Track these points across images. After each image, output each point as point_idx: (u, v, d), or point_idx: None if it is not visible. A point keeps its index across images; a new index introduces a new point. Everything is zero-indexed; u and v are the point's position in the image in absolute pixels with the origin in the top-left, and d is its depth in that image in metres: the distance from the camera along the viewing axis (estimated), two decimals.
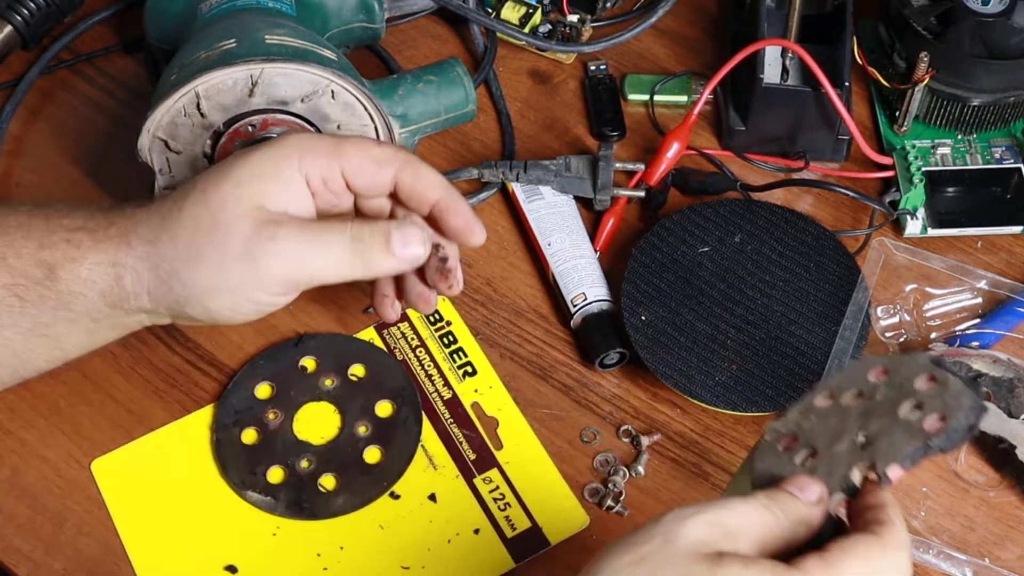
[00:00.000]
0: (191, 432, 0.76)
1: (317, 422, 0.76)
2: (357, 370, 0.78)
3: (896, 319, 0.79)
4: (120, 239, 0.66)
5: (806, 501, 0.56)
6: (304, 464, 0.74)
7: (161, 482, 0.74)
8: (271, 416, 0.76)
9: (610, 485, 0.75)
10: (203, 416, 0.76)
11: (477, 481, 0.75)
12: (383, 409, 0.76)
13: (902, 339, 0.78)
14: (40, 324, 0.67)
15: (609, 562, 0.54)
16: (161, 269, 0.65)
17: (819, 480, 0.57)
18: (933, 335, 0.79)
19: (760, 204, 0.83)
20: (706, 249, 0.80)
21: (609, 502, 0.74)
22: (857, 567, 0.54)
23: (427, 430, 0.76)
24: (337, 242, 0.66)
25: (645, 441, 0.76)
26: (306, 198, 0.67)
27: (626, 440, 0.77)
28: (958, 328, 0.79)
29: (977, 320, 0.79)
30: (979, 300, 0.80)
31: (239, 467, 0.74)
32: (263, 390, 0.77)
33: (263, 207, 0.65)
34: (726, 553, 0.53)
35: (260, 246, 0.64)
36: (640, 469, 0.76)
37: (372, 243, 0.66)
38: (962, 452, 0.75)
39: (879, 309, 0.79)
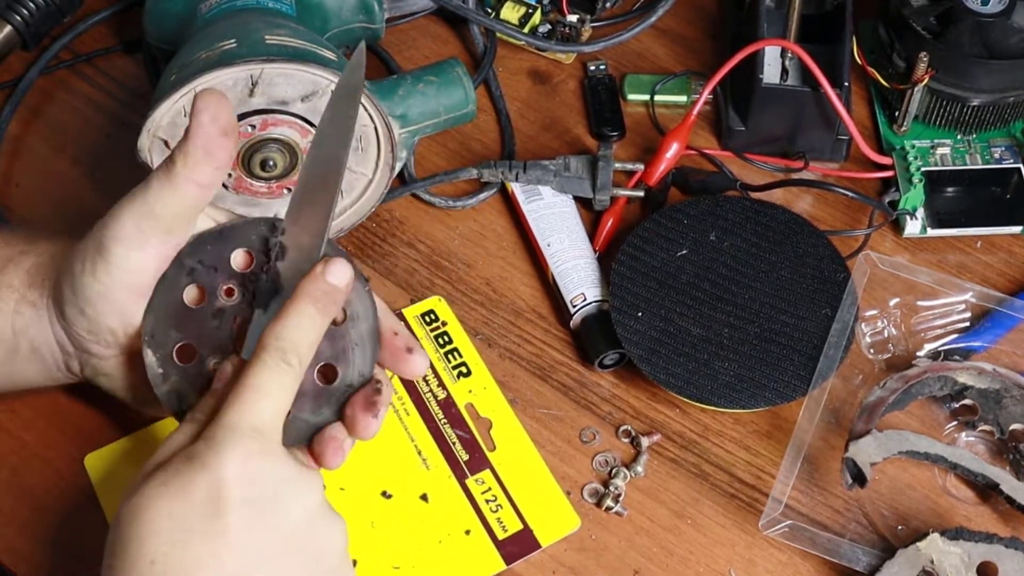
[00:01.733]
0: None
1: None
2: None
3: (883, 334, 0.79)
4: (63, 240, 0.69)
5: (223, 385, 0.61)
6: None
7: None
8: None
9: (610, 486, 0.75)
10: None
11: (469, 482, 0.75)
12: None
13: (888, 355, 0.78)
14: None
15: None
16: (63, 253, 0.68)
17: (232, 360, 0.62)
18: (920, 350, 0.79)
19: (727, 199, 0.83)
20: (684, 252, 0.80)
21: (608, 502, 0.74)
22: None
23: (420, 430, 0.76)
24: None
25: (645, 442, 0.76)
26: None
27: (625, 440, 0.77)
28: (944, 341, 0.79)
29: (964, 332, 0.79)
30: (966, 312, 0.79)
31: None
32: None
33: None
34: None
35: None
36: (639, 469, 0.76)
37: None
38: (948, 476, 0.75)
39: (863, 325, 0.79)
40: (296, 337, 0.61)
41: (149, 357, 0.65)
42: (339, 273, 0.63)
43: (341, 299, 0.63)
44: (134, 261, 0.64)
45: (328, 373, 0.65)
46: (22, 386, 0.72)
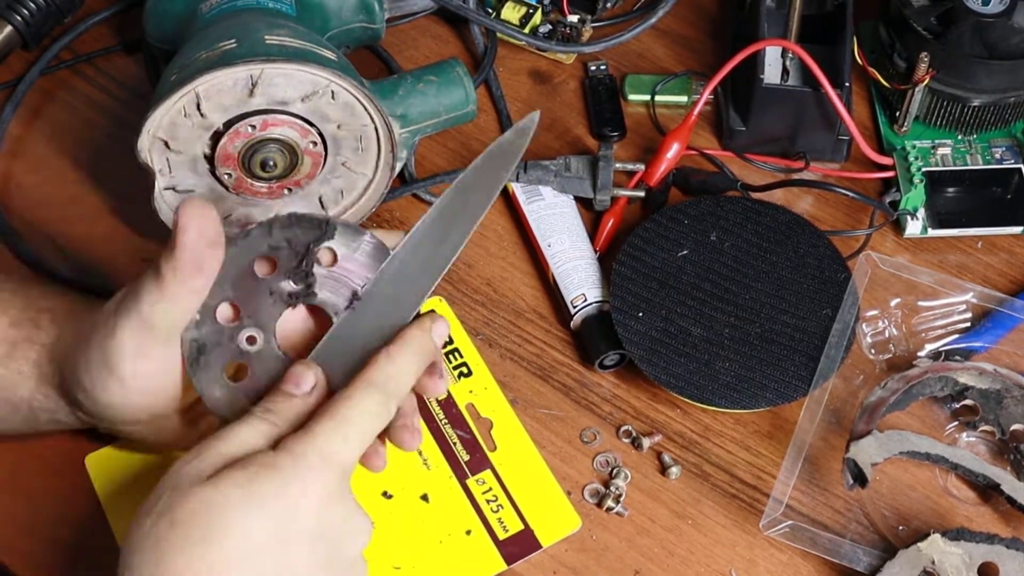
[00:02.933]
0: None
1: None
2: None
3: (884, 335, 0.79)
4: (66, 323, 0.69)
5: (302, 394, 0.61)
6: None
7: (153, 478, 0.74)
8: None
9: (611, 487, 0.75)
10: None
11: (470, 482, 0.75)
12: None
13: (889, 355, 0.78)
14: None
15: (135, 532, 0.57)
16: (65, 349, 0.68)
17: (310, 365, 0.62)
18: (920, 351, 0.78)
19: (728, 200, 0.83)
20: (684, 252, 0.80)
21: (609, 503, 0.74)
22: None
23: (421, 430, 0.76)
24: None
25: (646, 442, 0.76)
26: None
27: (626, 440, 0.77)
28: (945, 341, 0.79)
29: (964, 333, 0.79)
30: (967, 313, 0.79)
31: None
32: None
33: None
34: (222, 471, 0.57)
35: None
36: (674, 471, 0.76)
37: None
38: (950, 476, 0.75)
39: (864, 325, 0.79)
40: (401, 384, 0.62)
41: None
42: (441, 333, 0.65)
43: (434, 355, 0.64)
44: (142, 370, 0.65)
45: None
46: (40, 431, 0.73)
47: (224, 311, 0.65)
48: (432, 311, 0.65)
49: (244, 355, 0.65)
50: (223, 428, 0.60)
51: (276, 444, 0.59)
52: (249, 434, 0.59)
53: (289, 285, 0.66)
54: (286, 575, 0.57)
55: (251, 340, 0.65)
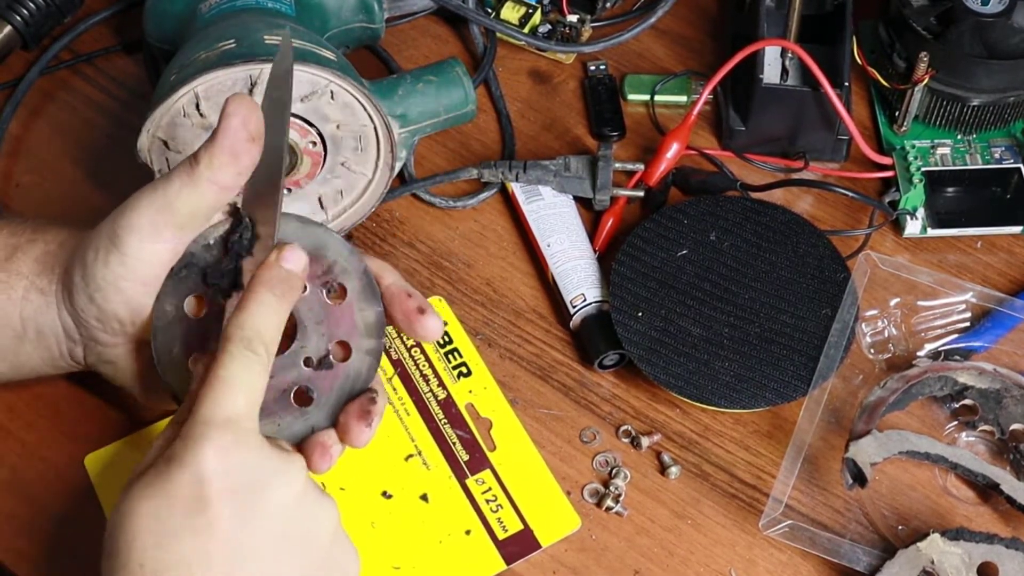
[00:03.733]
0: None
1: None
2: None
3: (883, 334, 0.79)
4: (71, 228, 0.70)
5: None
6: None
7: None
8: None
9: (611, 487, 0.75)
10: None
11: (470, 482, 0.75)
12: None
13: (888, 355, 0.78)
14: None
15: None
16: (71, 241, 0.69)
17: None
18: (920, 350, 0.78)
19: (728, 199, 0.83)
20: (684, 252, 0.80)
21: (609, 503, 0.74)
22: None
23: (420, 430, 0.76)
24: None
25: (645, 442, 0.76)
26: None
27: (626, 440, 0.77)
28: (945, 341, 0.79)
29: (964, 332, 0.79)
30: (966, 312, 0.79)
31: None
32: None
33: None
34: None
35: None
36: (674, 471, 0.76)
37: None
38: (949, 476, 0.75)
39: (863, 325, 0.79)
40: (258, 324, 0.61)
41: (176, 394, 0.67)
42: (293, 259, 0.63)
43: (299, 283, 0.63)
44: (147, 252, 0.65)
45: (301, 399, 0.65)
46: (26, 374, 0.72)
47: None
48: (282, 243, 0.64)
49: (211, 302, 0.65)
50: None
51: None
52: (159, 442, 0.60)
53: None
54: (221, 538, 0.57)
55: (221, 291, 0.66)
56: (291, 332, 0.65)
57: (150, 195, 0.64)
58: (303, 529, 0.59)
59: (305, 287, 0.65)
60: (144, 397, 0.71)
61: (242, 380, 0.59)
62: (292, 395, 0.64)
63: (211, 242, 0.65)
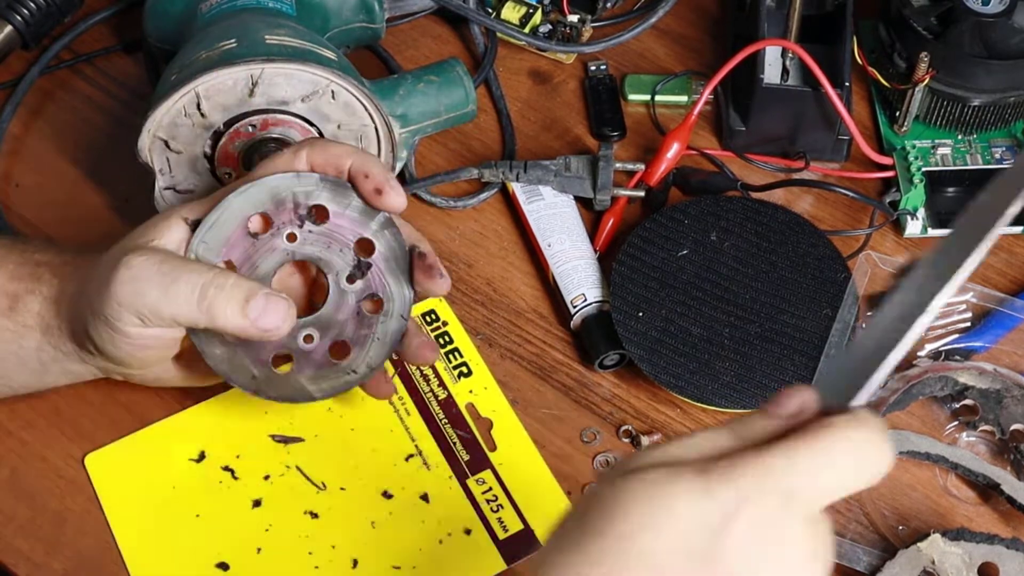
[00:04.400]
0: (185, 427, 0.76)
1: None
2: None
3: None
4: (66, 276, 0.70)
5: (779, 415, 0.49)
6: None
7: (154, 478, 0.74)
8: None
9: None
10: (197, 412, 0.76)
11: (470, 482, 0.75)
12: None
13: None
14: None
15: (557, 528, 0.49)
16: (70, 302, 0.69)
17: (802, 390, 0.50)
18: (920, 351, 0.78)
19: (728, 199, 0.83)
20: (684, 252, 0.80)
21: None
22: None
23: (421, 430, 0.76)
24: (189, 282, 0.65)
25: (646, 441, 0.76)
26: (181, 230, 0.68)
27: (626, 440, 0.77)
28: (945, 341, 0.79)
29: (964, 332, 0.79)
30: (967, 312, 0.79)
31: None
32: None
33: (137, 243, 0.68)
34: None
35: (112, 272, 0.66)
36: None
37: (228, 296, 0.65)
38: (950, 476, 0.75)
39: (864, 325, 0.79)
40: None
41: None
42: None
43: None
44: (150, 332, 0.67)
45: (341, 350, 0.69)
46: (50, 388, 0.74)
47: (257, 220, 0.68)
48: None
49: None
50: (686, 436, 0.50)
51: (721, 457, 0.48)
52: (707, 438, 0.49)
53: (283, 241, 0.68)
54: None
55: (252, 269, 0.68)
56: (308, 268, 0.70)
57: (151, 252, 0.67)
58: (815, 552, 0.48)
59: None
60: (185, 380, 0.72)
61: (841, 468, 0.47)
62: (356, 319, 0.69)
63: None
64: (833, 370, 0.53)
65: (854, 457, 0.47)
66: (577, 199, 0.85)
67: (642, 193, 0.85)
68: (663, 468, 0.47)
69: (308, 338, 0.69)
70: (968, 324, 0.79)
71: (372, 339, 0.69)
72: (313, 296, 0.73)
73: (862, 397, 0.50)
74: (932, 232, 0.84)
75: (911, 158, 0.85)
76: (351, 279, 0.69)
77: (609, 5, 0.94)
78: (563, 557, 0.47)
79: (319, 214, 0.68)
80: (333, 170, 0.69)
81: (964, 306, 0.79)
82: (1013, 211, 0.52)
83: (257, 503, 0.74)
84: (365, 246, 0.70)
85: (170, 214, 0.69)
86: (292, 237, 0.68)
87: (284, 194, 0.68)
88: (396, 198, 0.68)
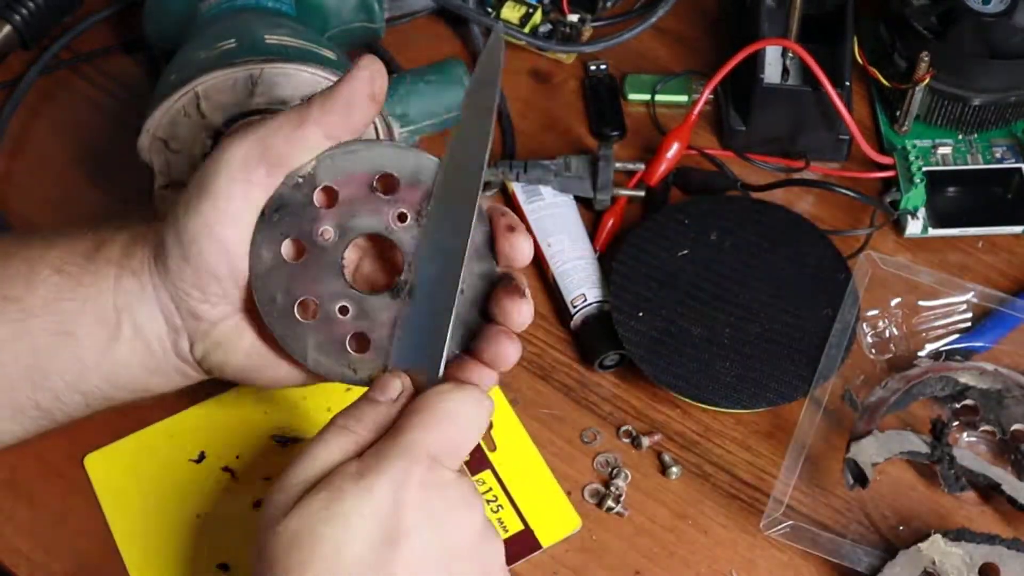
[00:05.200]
0: (185, 428, 0.76)
1: None
2: None
3: (885, 334, 0.79)
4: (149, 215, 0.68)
5: (387, 400, 0.59)
6: None
7: (154, 478, 0.74)
8: None
9: (611, 487, 0.75)
10: (197, 412, 0.76)
11: None
12: None
13: (889, 355, 0.78)
14: (67, 317, 0.64)
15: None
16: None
17: (398, 374, 0.60)
18: (921, 351, 0.78)
19: (728, 199, 0.83)
20: (684, 252, 0.80)
21: (609, 503, 0.74)
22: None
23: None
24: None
25: (646, 442, 0.76)
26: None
27: (626, 440, 0.77)
28: (945, 341, 0.79)
29: (965, 332, 0.79)
30: (967, 312, 0.79)
31: None
32: None
33: None
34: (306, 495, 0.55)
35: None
36: (675, 471, 0.76)
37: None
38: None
39: (864, 325, 0.79)
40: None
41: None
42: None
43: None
44: (238, 192, 0.61)
45: (361, 343, 0.64)
46: (122, 388, 0.67)
47: (320, 195, 0.63)
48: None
49: (310, 244, 0.63)
50: (299, 453, 0.57)
51: (364, 453, 0.57)
52: (328, 450, 0.57)
53: (393, 213, 0.63)
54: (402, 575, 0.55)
55: (325, 235, 0.63)
56: (399, 266, 0.63)
57: (242, 134, 0.61)
58: (480, 565, 0.57)
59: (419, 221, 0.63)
60: (255, 379, 0.67)
61: (458, 416, 0.57)
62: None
63: (300, 181, 0.62)
64: (409, 347, 0.62)
65: (466, 414, 0.57)
66: (577, 199, 0.85)
67: (642, 193, 0.85)
68: (322, 493, 0.55)
69: (343, 310, 0.64)
70: (968, 324, 0.79)
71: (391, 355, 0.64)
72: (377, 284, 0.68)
73: (443, 358, 0.60)
74: (932, 232, 0.84)
75: (911, 158, 0.85)
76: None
77: (609, 5, 0.94)
78: None
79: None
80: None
81: (964, 306, 0.79)
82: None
83: (257, 503, 0.74)
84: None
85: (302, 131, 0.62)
86: (403, 217, 0.63)
87: (427, 178, 0.63)
88: (527, 243, 0.63)
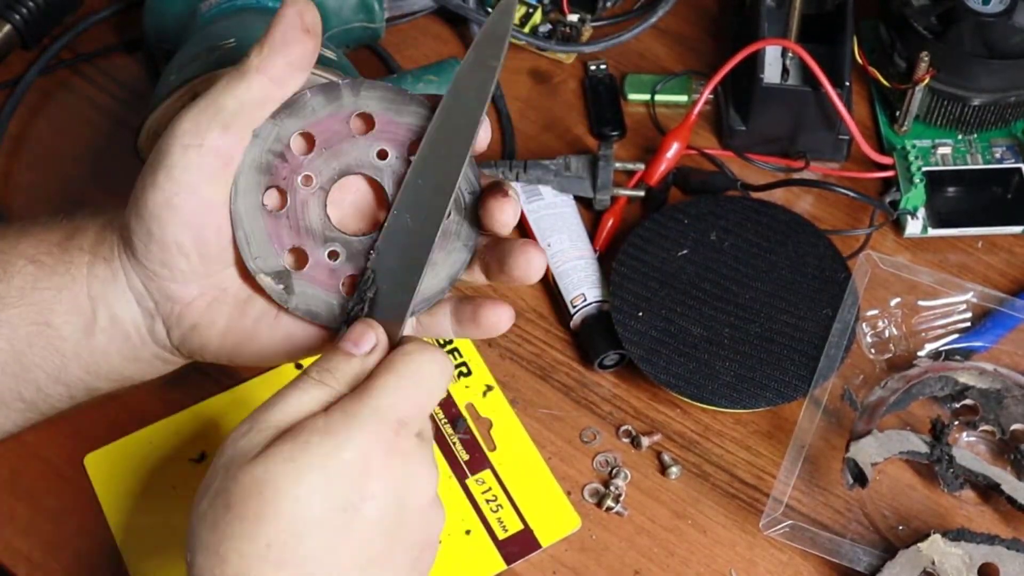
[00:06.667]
0: (185, 428, 0.76)
1: None
2: None
3: (884, 334, 0.79)
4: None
5: (361, 354, 0.58)
6: None
7: (154, 478, 0.74)
8: None
9: (611, 487, 0.75)
10: (197, 412, 0.77)
11: (470, 482, 0.75)
12: None
13: (889, 355, 0.78)
14: (44, 306, 0.63)
15: (194, 512, 0.55)
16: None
17: (372, 325, 0.59)
18: (920, 350, 0.78)
19: (728, 199, 0.83)
20: (684, 252, 0.80)
21: (609, 502, 0.74)
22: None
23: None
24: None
25: (646, 441, 0.76)
26: None
27: (626, 440, 0.77)
28: (945, 341, 0.79)
29: (965, 332, 0.79)
30: (967, 312, 0.79)
31: None
32: None
33: None
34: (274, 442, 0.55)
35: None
36: (675, 471, 0.76)
37: None
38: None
39: (864, 325, 0.79)
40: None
41: (265, 281, 0.62)
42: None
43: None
44: (192, 159, 0.60)
45: (350, 286, 0.62)
46: (104, 378, 0.66)
47: (298, 141, 0.61)
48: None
49: (289, 189, 0.62)
50: (274, 396, 0.57)
51: (330, 407, 0.56)
52: (302, 400, 0.56)
53: (377, 151, 0.62)
54: (355, 540, 0.55)
55: (307, 180, 0.61)
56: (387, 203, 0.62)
57: (192, 102, 0.61)
58: (424, 534, 0.58)
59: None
60: (239, 359, 0.65)
61: (425, 382, 0.57)
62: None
63: (270, 130, 0.61)
64: (383, 294, 0.61)
65: (429, 374, 0.57)
66: (577, 199, 0.85)
67: (642, 193, 0.85)
68: (287, 443, 0.54)
69: (333, 254, 0.62)
70: (968, 324, 0.79)
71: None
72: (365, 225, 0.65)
73: (410, 311, 0.60)
74: (932, 232, 0.84)
75: (911, 158, 0.85)
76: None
77: (609, 5, 0.94)
78: (232, 544, 0.54)
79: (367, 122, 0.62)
80: None
81: (964, 306, 0.79)
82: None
83: None
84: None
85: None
86: (383, 154, 0.61)
87: (404, 116, 0.61)
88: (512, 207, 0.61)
